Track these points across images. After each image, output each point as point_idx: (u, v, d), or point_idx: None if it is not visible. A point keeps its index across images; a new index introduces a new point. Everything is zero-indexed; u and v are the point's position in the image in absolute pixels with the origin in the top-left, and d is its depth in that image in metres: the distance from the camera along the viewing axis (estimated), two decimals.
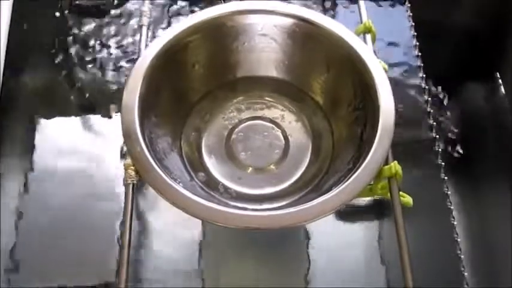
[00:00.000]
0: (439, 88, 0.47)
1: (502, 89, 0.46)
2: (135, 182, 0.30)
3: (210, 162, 0.36)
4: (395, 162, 0.30)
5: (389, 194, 0.30)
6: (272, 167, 0.36)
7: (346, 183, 0.28)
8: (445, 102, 0.46)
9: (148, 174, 0.29)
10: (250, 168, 0.36)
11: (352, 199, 0.28)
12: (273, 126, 0.37)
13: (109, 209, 0.36)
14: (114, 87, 0.43)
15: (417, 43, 0.44)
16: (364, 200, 0.36)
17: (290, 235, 0.36)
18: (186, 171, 0.35)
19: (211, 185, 0.35)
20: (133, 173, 0.29)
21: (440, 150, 0.39)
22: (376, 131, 0.30)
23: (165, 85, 0.34)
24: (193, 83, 0.38)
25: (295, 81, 0.39)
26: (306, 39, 0.36)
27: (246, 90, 0.39)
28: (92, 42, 0.44)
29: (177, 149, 0.35)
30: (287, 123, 0.38)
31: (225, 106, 0.38)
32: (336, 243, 0.35)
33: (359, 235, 0.36)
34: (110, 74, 0.43)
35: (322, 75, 0.37)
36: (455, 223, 0.36)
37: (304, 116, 0.38)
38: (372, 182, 0.30)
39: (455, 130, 0.44)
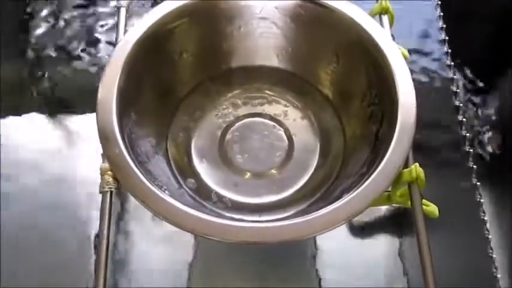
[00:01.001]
0: (471, 79, 0.47)
1: None
2: (113, 189, 0.30)
3: (201, 166, 0.37)
4: (417, 164, 0.31)
5: (409, 202, 0.30)
6: (273, 171, 0.37)
7: (360, 190, 0.29)
8: (479, 95, 0.46)
9: (129, 180, 0.29)
10: (248, 174, 0.37)
11: (367, 208, 0.29)
12: (275, 124, 0.38)
13: (86, 224, 0.37)
14: (89, 80, 0.44)
15: (444, 24, 0.44)
16: (381, 210, 0.37)
17: (295, 251, 0.37)
18: (173, 177, 0.36)
19: (202, 193, 0.36)
20: (110, 179, 0.30)
21: (471, 151, 0.40)
22: (394, 129, 0.30)
23: (147, 77, 0.35)
24: (181, 75, 0.39)
25: (299, 72, 0.40)
26: (312, 23, 0.36)
27: (242, 83, 0.40)
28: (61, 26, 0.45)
29: (162, 152, 0.36)
30: (291, 120, 0.38)
31: (218, 101, 0.39)
32: (348, 259, 0.36)
33: (375, 251, 0.36)
34: (85, 65, 0.44)
35: (331, 65, 0.38)
36: (489, 237, 0.36)
37: (311, 112, 0.39)
38: (390, 188, 0.31)
39: (490, 128, 0.44)
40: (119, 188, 0.31)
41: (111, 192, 0.30)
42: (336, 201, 0.29)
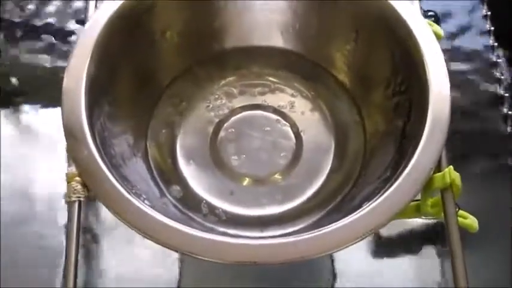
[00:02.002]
0: None
1: None
2: (82, 198, 0.30)
3: (188, 170, 0.37)
4: (451, 167, 0.31)
5: (442, 214, 0.30)
6: (277, 177, 0.37)
7: (382, 198, 0.29)
8: None
9: (100, 187, 0.29)
10: (247, 179, 0.36)
11: (391, 221, 0.29)
12: (279, 118, 0.38)
13: (49, 239, 0.37)
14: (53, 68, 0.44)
15: None
16: (409, 223, 0.37)
17: (308, 272, 0.36)
18: (155, 183, 0.36)
19: (190, 203, 0.36)
20: (79, 187, 0.30)
21: None
22: (425, 124, 0.30)
23: (123, 61, 0.35)
24: (164, 58, 0.38)
25: (309, 53, 0.39)
26: None
27: (239, 67, 0.40)
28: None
29: (141, 153, 0.36)
30: (299, 113, 0.38)
31: (209, 90, 0.39)
32: (371, 282, 0.36)
33: (402, 271, 0.36)
34: (48, 49, 0.44)
35: (349, 44, 0.37)
36: None
37: (323, 103, 0.38)
38: (419, 197, 0.31)
39: None
40: (89, 197, 0.30)
41: (80, 202, 0.30)
42: (354, 213, 0.29)
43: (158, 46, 0.38)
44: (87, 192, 0.30)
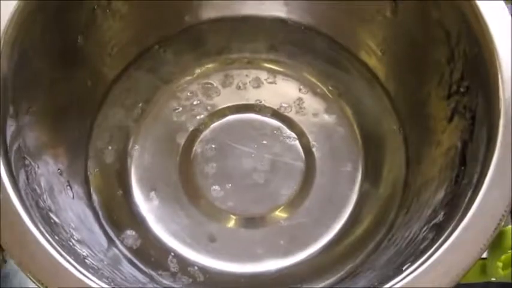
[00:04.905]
0: None
1: None
2: None
3: (148, 207, 0.37)
4: None
5: None
6: (279, 214, 0.37)
7: (434, 259, 0.28)
8: None
9: (18, 246, 0.29)
10: (234, 219, 0.37)
11: None
12: (280, 125, 0.38)
13: None
14: None
15: None
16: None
17: None
18: (100, 228, 0.36)
19: (152, 256, 0.36)
20: None
21: None
22: (494, 146, 0.30)
23: (49, 49, 0.35)
24: (109, 39, 0.38)
25: (325, 28, 0.39)
26: None
27: (221, 49, 0.40)
28: None
29: (78, 183, 0.36)
30: (309, 117, 0.38)
31: (177, 84, 0.39)
32: None
33: None
34: None
35: (383, 13, 0.37)
36: None
37: (346, 103, 0.39)
38: (486, 254, 0.31)
39: None
40: (4, 261, 0.31)
41: None
42: (392, 277, 0.28)
43: (99, 23, 0.37)
44: (2, 255, 0.30)
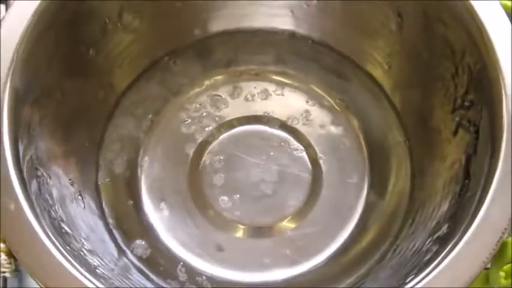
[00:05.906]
0: None
1: None
2: (7, 273, 0.31)
3: (158, 217, 0.37)
4: None
5: None
6: (286, 224, 0.37)
7: (439, 270, 0.28)
8: None
9: (30, 255, 0.29)
10: (242, 229, 0.37)
11: None
12: (288, 137, 0.38)
13: None
14: None
15: None
16: None
17: None
18: (111, 238, 0.36)
19: (161, 265, 0.36)
20: (4, 258, 0.31)
21: None
22: (497, 160, 0.30)
23: (61, 63, 0.35)
24: (120, 52, 0.38)
25: (331, 41, 0.39)
26: None
27: (230, 61, 0.40)
28: None
29: (89, 192, 0.36)
30: (316, 129, 0.38)
31: (186, 96, 0.39)
32: None
33: None
34: None
35: (389, 26, 0.37)
36: None
37: (353, 115, 0.39)
38: (489, 264, 0.30)
39: None
40: (17, 270, 0.31)
41: (5, 279, 0.31)
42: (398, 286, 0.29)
43: (110, 36, 0.37)
44: (15, 264, 0.31)
